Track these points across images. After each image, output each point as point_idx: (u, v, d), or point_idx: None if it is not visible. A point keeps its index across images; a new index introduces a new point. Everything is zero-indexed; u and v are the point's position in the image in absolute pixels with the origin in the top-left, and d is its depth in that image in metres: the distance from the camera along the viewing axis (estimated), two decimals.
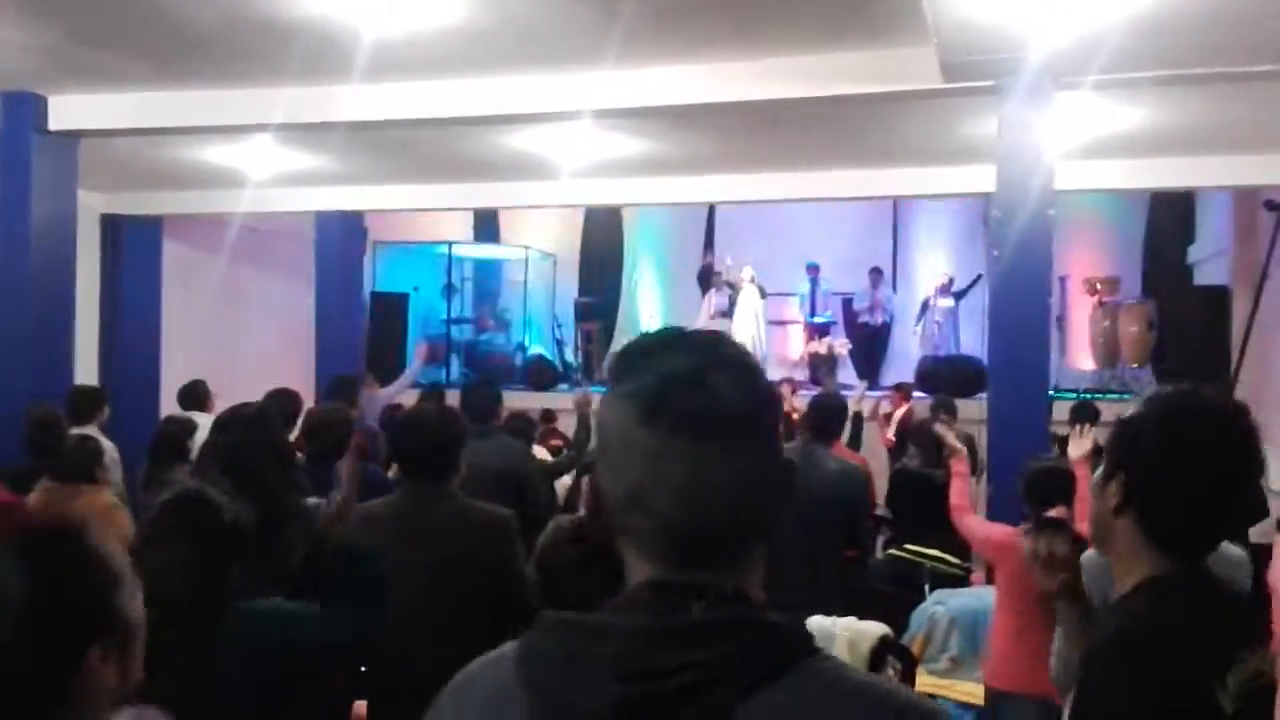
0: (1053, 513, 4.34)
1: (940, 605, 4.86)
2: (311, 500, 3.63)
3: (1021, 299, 5.26)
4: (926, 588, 5.49)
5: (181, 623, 2.15)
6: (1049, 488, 4.36)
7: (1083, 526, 4.18)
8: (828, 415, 5.22)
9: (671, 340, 1.09)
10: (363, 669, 3.44)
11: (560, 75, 6.04)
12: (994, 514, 5.30)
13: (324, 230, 10.18)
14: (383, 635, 2.64)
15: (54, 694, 1.34)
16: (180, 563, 2.29)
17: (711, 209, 15.03)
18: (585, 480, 4.46)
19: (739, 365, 1.07)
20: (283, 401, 6.44)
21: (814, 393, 10.37)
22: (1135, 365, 11.82)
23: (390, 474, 5.66)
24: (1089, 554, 2.63)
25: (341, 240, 10.17)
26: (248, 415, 3.36)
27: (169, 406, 9.72)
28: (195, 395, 7.63)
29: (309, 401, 9.57)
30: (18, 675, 1.31)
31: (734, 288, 13.44)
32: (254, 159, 8.54)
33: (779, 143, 7.90)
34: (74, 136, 7.04)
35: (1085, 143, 7.46)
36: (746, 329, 13.04)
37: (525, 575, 3.20)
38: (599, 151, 8.08)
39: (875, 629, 3.68)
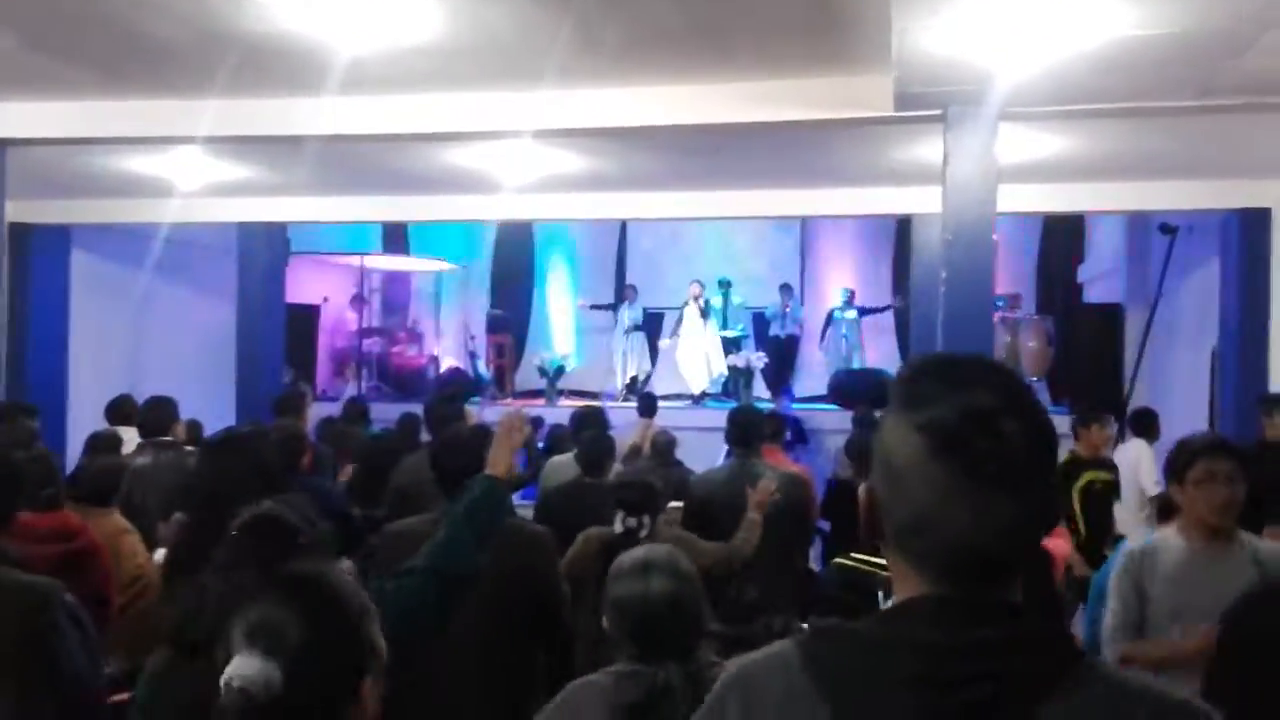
0: None
1: None
2: None
3: (969, 316, 5.53)
4: (880, 594, 5.68)
5: None
6: None
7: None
8: (745, 426, 5.39)
9: (967, 372, 1.15)
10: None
11: (516, 94, 6.09)
12: None
13: (246, 241, 9.98)
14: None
15: None
16: None
17: (624, 225, 15.21)
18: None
19: (1031, 409, 1.13)
20: (159, 410, 6.33)
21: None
22: (1035, 378, 12.36)
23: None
24: None
25: (265, 252, 9.99)
26: (229, 440, 3.29)
27: (77, 421, 9.44)
28: (123, 410, 7.43)
29: (229, 417, 9.43)
30: (304, 710, 1.37)
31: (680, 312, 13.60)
32: (179, 168, 8.35)
33: (716, 162, 8.08)
34: (2, 145, 6.82)
35: (1002, 168, 7.81)
36: (696, 350, 13.19)
37: (563, 589, 3.29)
38: (536, 168, 8.14)
39: None
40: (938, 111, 5.66)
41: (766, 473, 5.04)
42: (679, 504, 6.66)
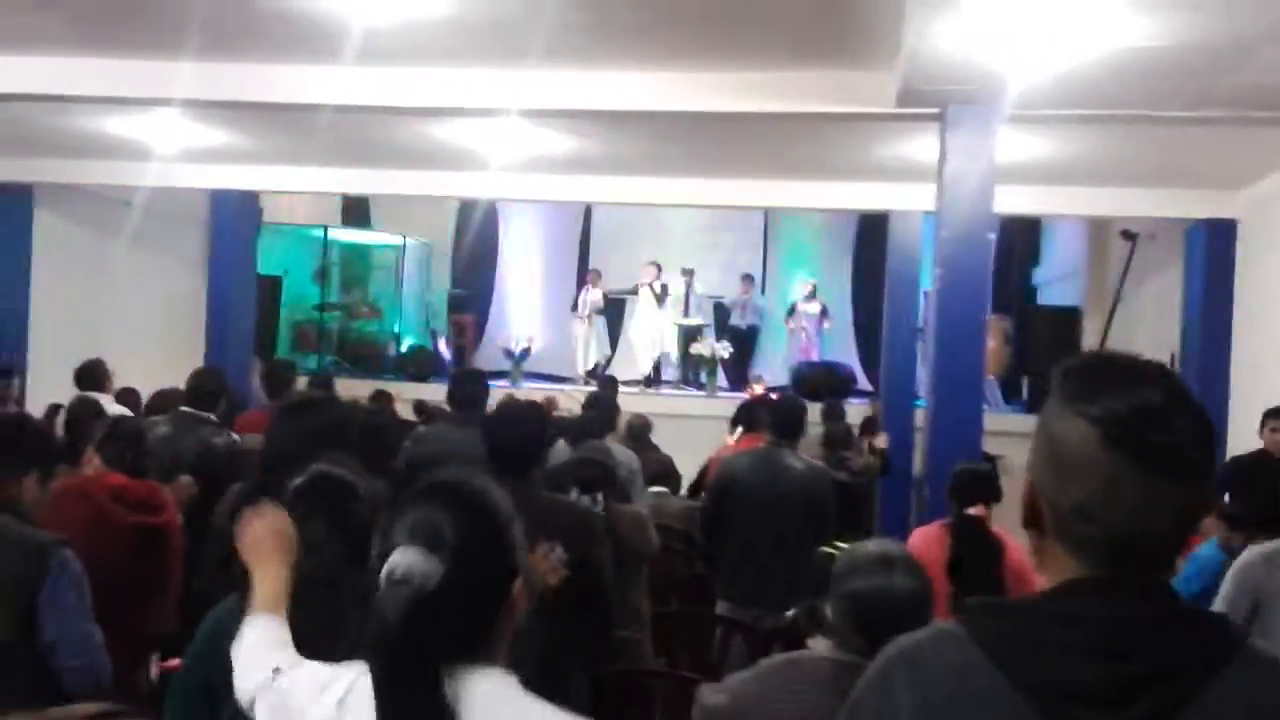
0: (972, 510, 4.72)
1: None
2: None
3: (962, 315, 5.62)
4: None
5: (335, 593, 2.18)
6: (971, 487, 4.71)
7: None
8: (787, 417, 5.45)
9: (1133, 371, 1.24)
10: None
11: (515, 72, 6.05)
12: (932, 515, 5.65)
13: (219, 209, 9.80)
14: None
15: (488, 621, 1.50)
16: (323, 540, 2.30)
17: (589, 209, 15.18)
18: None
19: (1196, 407, 1.22)
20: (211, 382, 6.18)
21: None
22: (993, 377, 12.57)
23: None
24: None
25: (237, 220, 9.81)
26: (292, 404, 3.26)
27: (35, 387, 9.22)
28: (94, 376, 7.29)
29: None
30: (460, 603, 1.45)
31: (634, 291, 13.64)
32: (155, 131, 8.18)
33: (698, 149, 8.09)
34: None
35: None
36: (649, 331, 13.20)
37: (609, 570, 3.29)
38: (519, 147, 8.09)
39: None
40: (936, 110, 5.74)
41: (795, 464, 5.11)
42: (661, 489, 6.73)
